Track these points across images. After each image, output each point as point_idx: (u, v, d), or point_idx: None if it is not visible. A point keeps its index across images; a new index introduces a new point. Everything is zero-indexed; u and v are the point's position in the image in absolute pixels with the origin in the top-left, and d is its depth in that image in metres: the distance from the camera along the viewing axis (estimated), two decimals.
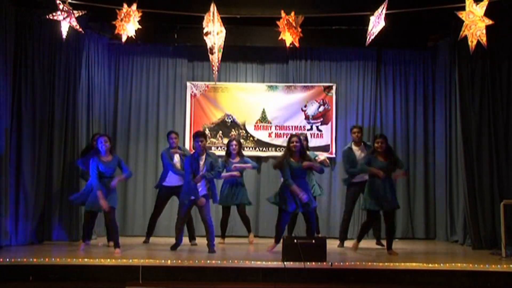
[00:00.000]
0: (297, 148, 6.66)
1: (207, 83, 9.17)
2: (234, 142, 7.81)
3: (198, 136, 6.69)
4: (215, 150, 8.82)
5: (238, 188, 7.72)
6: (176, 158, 7.58)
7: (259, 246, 7.60)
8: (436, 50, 8.98)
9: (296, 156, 6.69)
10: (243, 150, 8.32)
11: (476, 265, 5.63)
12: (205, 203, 6.55)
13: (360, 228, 7.58)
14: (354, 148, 7.61)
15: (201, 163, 6.59)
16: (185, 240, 7.16)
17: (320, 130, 9.06)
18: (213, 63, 6.82)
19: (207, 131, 9.00)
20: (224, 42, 6.73)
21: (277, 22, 6.70)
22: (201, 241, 7.06)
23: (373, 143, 6.97)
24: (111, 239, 6.80)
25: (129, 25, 6.67)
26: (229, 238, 8.10)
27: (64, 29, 6.57)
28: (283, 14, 6.66)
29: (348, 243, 7.48)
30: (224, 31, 6.68)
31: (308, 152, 7.24)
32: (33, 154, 7.27)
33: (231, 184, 7.72)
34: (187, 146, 8.87)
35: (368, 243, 7.68)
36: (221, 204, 7.77)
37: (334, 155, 9.00)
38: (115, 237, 6.50)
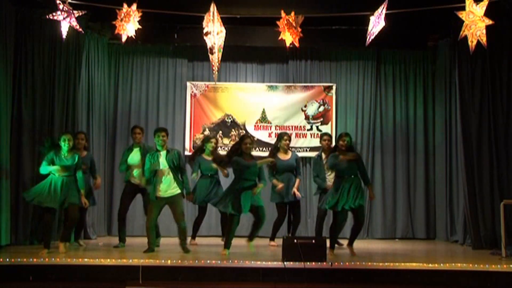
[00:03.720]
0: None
1: (207, 83, 9.17)
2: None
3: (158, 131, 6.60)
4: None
5: (215, 187, 7.49)
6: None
7: (258, 246, 7.59)
8: (436, 50, 8.99)
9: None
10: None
11: (476, 265, 5.63)
12: None
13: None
14: (324, 156, 7.37)
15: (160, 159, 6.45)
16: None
17: (320, 130, 9.05)
18: (213, 63, 6.82)
19: (207, 131, 9.00)
20: (224, 42, 6.73)
21: (277, 22, 6.70)
22: (201, 241, 7.05)
23: (337, 142, 6.68)
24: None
25: (129, 25, 6.67)
26: None
27: (64, 29, 6.58)
28: (283, 14, 6.66)
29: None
30: (224, 31, 6.67)
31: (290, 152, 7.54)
32: (33, 154, 7.26)
33: (206, 184, 7.48)
34: (186, 145, 8.93)
35: (368, 243, 7.68)
36: (199, 204, 7.56)
37: None
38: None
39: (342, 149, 6.53)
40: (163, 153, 6.47)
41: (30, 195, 6.35)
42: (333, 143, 7.40)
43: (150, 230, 6.51)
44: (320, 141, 7.61)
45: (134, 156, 7.11)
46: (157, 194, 6.42)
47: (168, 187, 6.42)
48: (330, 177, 7.17)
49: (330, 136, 7.77)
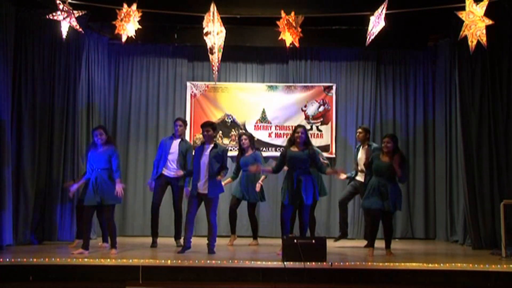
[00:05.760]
0: (302, 139, 6.43)
1: (207, 83, 9.18)
2: (244, 137, 7.73)
3: (204, 126, 6.61)
4: None
5: (251, 184, 7.51)
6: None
7: (259, 245, 7.60)
8: (436, 50, 8.99)
9: (298, 146, 6.44)
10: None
11: (476, 265, 5.63)
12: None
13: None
14: (359, 147, 7.61)
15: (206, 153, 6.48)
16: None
17: (320, 130, 9.06)
18: (213, 63, 6.83)
19: None
20: (224, 42, 6.73)
21: (277, 22, 6.71)
22: (201, 241, 7.04)
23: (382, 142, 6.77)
24: (108, 239, 6.61)
25: (129, 25, 6.68)
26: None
27: (64, 29, 6.58)
28: (283, 14, 6.67)
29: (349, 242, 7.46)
30: (224, 31, 6.68)
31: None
32: (33, 154, 7.28)
33: (246, 179, 7.55)
34: None
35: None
36: (233, 195, 7.70)
37: (334, 155, 9.00)
38: (112, 237, 6.39)
39: (384, 151, 6.58)
40: (208, 147, 6.49)
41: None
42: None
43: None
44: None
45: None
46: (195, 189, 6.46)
47: (205, 183, 6.41)
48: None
49: (364, 128, 7.68)
